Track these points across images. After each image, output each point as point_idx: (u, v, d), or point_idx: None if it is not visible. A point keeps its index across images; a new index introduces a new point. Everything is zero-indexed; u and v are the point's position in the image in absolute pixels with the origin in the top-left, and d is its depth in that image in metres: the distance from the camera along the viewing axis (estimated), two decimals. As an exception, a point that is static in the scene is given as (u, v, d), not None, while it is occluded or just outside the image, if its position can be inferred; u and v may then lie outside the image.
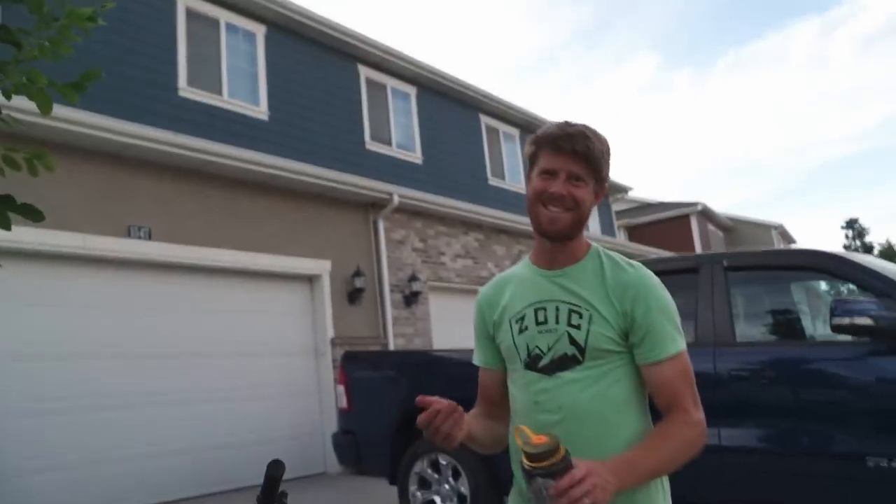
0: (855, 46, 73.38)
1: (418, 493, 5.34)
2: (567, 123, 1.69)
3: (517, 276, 1.83)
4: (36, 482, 6.52)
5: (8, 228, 1.77)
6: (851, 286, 4.33)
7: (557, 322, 1.67)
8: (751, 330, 4.72)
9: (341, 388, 5.98)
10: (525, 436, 1.37)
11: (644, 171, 70.95)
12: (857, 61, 71.69)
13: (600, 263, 1.71)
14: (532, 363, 1.70)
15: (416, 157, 12.85)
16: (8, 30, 1.72)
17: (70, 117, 6.89)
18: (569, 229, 1.68)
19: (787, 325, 4.77)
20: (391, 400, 5.72)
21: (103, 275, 7.46)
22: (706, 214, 24.80)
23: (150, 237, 7.73)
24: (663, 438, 1.58)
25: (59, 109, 6.77)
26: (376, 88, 12.48)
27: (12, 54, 1.80)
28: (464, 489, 5.09)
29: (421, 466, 5.35)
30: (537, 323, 1.70)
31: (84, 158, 7.34)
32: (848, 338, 3.93)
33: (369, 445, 5.74)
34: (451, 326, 11.16)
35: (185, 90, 9.48)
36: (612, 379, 1.65)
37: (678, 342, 1.66)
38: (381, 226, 10.42)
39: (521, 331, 1.72)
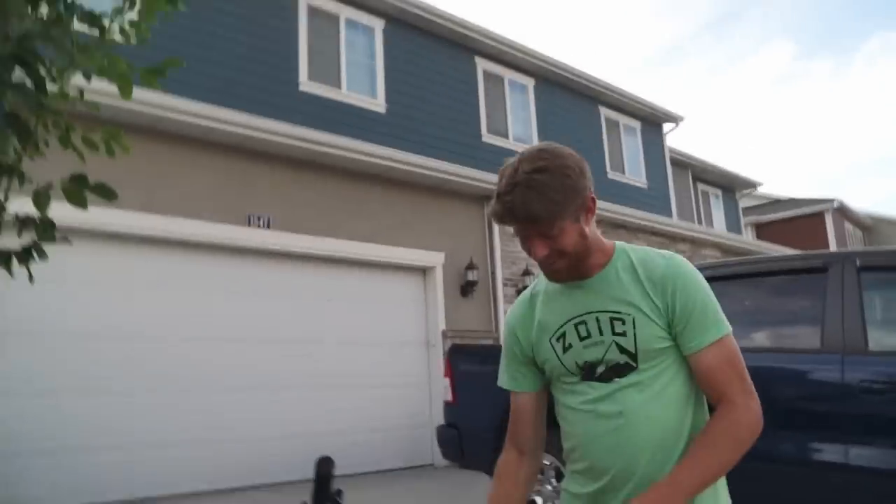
0: None
1: (521, 492, 5.23)
2: (504, 186, 1.55)
3: (544, 291, 1.75)
4: (157, 455, 6.88)
5: (84, 207, 1.81)
6: None
7: (601, 333, 1.63)
8: (887, 338, 4.31)
9: (447, 381, 5.95)
10: None
11: (776, 167, 67.61)
12: None
13: (630, 262, 1.65)
14: (588, 374, 1.65)
15: (532, 149, 12.67)
16: (93, 15, 1.76)
17: (194, 110, 7.20)
18: (570, 273, 1.64)
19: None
20: (496, 395, 5.60)
21: (224, 261, 7.76)
22: (843, 212, 23.29)
23: (269, 226, 7.99)
24: (708, 445, 1.53)
25: (183, 103, 7.12)
26: (493, 81, 12.41)
27: (95, 40, 1.83)
28: (567, 490, 4.94)
29: (524, 464, 5.23)
30: (580, 338, 1.65)
31: (208, 150, 7.66)
32: None
33: (472, 440, 5.68)
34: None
35: (306, 84, 9.73)
36: (669, 377, 1.61)
37: (719, 327, 1.60)
38: (495, 219, 10.32)
39: (565, 349, 1.67)
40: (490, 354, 6.34)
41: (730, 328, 1.61)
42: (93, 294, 6.79)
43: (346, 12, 10.44)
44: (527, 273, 10.44)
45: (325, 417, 8.10)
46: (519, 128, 12.65)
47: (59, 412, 6.40)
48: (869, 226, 25.51)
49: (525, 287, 10.29)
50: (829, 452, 3.74)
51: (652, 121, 15.61)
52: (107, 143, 1.87)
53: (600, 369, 1.63)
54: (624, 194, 13.88)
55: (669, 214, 15.04)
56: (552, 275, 1.65)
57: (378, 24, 10.82)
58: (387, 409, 8.79)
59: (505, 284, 10.29)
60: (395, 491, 7.44)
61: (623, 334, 1.60)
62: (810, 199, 23.32)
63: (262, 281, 8.01)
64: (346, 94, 10.13)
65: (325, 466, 1.39)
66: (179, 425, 7.09)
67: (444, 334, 9.28)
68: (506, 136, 12.29)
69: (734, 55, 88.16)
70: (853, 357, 3.83)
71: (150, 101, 6.89)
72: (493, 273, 10.20)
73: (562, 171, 1.55)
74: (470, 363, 6.05)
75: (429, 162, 9.36)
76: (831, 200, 22.48)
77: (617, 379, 1.61)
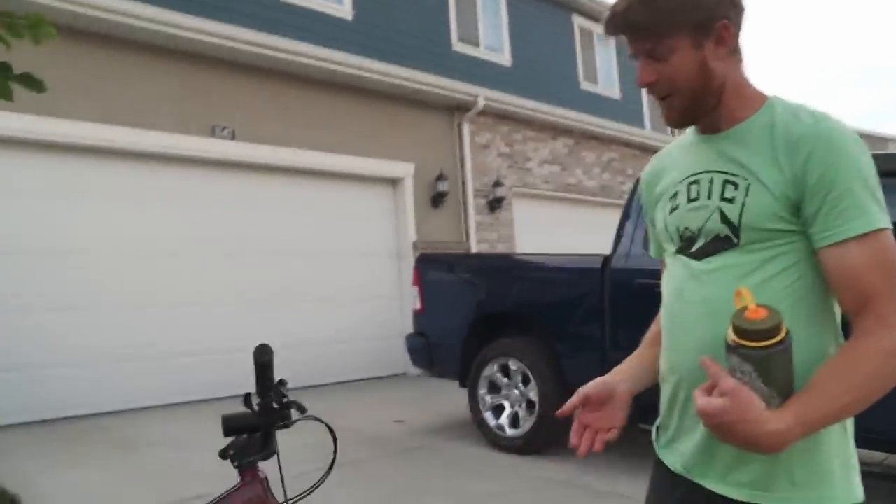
0: None
1: (487, 398, 5.32)
2: None
3: (680, 145, 1.48)
4: (125, 369, 6.90)
5: (9, 98, 1.70)
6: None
7: (710, 196, 1.32)
8: None
9: (416, 290, 5.96)
10: (743, 302, 1.12)
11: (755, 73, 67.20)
12: None
13: (772, 118, 1.29)
14: (685, 246, 1.37)
15: (504, 58, 12.40)
16: None
17: (151, 15, 6.90)
18: (684, 116, 1.35)
19: None
20: (465, 303, 5.66)
21: (188, 173, 7.60)
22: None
23: (233, 137, 7.79)
24: (842, 370, 1.15)
25: (141, 8, 6.82)
26: (465, -14, 12.00)
27: None
28: (533, 395, 5.04)
29: (491, 371, 5.31)
30: (689, 200, 1.36)
31: (169, 58, 7.38)
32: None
33: (441, 348, 5.74)
34: (536, 233, 11.00)
35: (269, -12, 9.34)
36: (779, 267, 1.25)
37: (874, 217, 1.20)
38: (466, 129, 10.20)
39: (672, 210, 1.40)
40: (458, 263, 6.35)
41: (888, 223, 1.21)
42: (47, 208, 6.63)
43: (310, -89, 9.93)
44: (497, 184, 10.38)
45: (296, 330, 8.11)
46: (491, 36, 12.31)
47: (13, 329, 6.32)
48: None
49: (497, 199, 10.28)
50: None
51: (627, 30, 15.31)
52: (32, 30, 1.73)
53: (699, 242, 1.34)
54: (597, 105, 13.70)
55: (642, 125, 14.93)
56: (666, 116, 1.36)
57: (344, -75, 10.34)
58: (358, 321, 8.84)
59: (475, 196, 10.23)
60: (362, 397, 7.54)
61: (731, 200, 1.28)
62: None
63: (227, 193, 7.87)
64: (311, -1, 9.75)
65: (262, 354, 1.34)
66: (142, 340, 7.07)
67: (415, 245, 9.25)
68: (476, 44, 11.98)
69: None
70: None
71: (106, 6, 6.58)
72: (464, 184, 10.13)
73: None
74: (438, 272, 6.05)
75: (397, 70, 9.12)
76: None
77: (709, 258, 1.32)
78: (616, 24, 1.32)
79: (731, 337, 1.12)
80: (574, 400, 1.45)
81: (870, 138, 25.55)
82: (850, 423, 1.29)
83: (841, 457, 1.25)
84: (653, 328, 1.59)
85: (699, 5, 1.26)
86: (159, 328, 7.18)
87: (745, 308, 1.12)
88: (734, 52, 1.32)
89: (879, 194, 1.23)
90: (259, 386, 1.39)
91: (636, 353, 1.60)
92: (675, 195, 1.40)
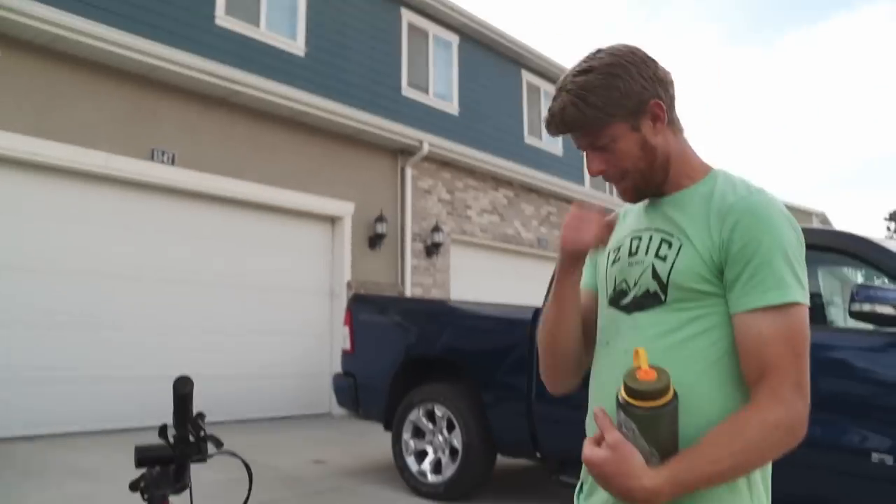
0: (923, 35, 70.54)
1: (411, 442, 5.30)
2: (554, 96, 1.39)
3: (635, 207, 1.53)
4: (39, 393, 6.63)
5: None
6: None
7: (647, 252, 1.37)
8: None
9: (346, 330, 5.92)
10: (636, 363, 1.17)
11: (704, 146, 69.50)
12: (923, 50, 68.92)
13: (712, 188, 1.36)
14: (616, 299, 1.41)
15: (452, 107, 12.61)
16: None
17: (99, 34, 6.82)
18: (637, 193, 1.41)
19: (809, 309, 4.53)
20: (395, 346, 5.65)
21: (124, 196, 7.45)
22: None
23: (173, 162, 7.69)
24: (728, 435, 1.18)
25: (88, 25, 6.73)
26: (418, 34, 12.21)
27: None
28: (456, 442, 5.03)
29: (416, 415, 5.29)
30: (630, 254, 1.41)
31: (112, 77, 7.29)
32: (870, 326, 3.73)
33: (368, 389, 5.70)
34: (471, 280, 11.08)
35: (223, 19, 9.32)
36: (700, 328, 1.28)
37: (790, 291, 1.23)
38: (409, 173, 10.28)
39: (614, 262, 1.45)
40: (391, 306, 6.35)
41: (805, 300, 1.25)
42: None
43: (269, -53, 10.02)
44: (436, 229, 10.45)
45: (220, 361, 7.94)
46: (441, 84, 12.53)
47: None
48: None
49: (435, 244, 10.34)
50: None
51: (572, 89, 15.72)
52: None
53: (629, 296, 1.38)
54: (540, 160, 14.00)
55: (582, 182, 15.28)
56: (622, 197, 1.44)
57: (302, -36, 10.44)
58: (286, 357, 8.71)
59: (414, 239, 10.28)
60: (284, 435, 7.40)
61: (664, 258, 1.34)
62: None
63: (162, 219, 7.73)
64: (264, 32, 9.76)
65: (183, 386, 1.33)
66: (66, 363, 6.83)
67: (349, 285, 9.22)
68: (426, 91, 12.16)
69: (662, 35, 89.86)
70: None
71: (48, 18, 6.47)
72: (403, 227, 10.17)
73: (608, 71, 1.32)
74: (370, 313, 6.04)
75: (345, 110, 9.18)
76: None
77: (636, 313, 1.36)
78: (556, 125, 1.38)
79: (621, 394, 1.17)
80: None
81: (790, 210, 26.27)
82: (759, 489, 1.29)
83: None
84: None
85: (628, 94, 1.33)
86: (78, 351, 6.93)
87: (637, 368, 1.17)
88: (671, 123, 1.40)
89: (800, 271, 1.27)
90: (176, 417, 1.37)
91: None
92: (619, 248, 1.46)
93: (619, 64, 1.34)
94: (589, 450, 1.19)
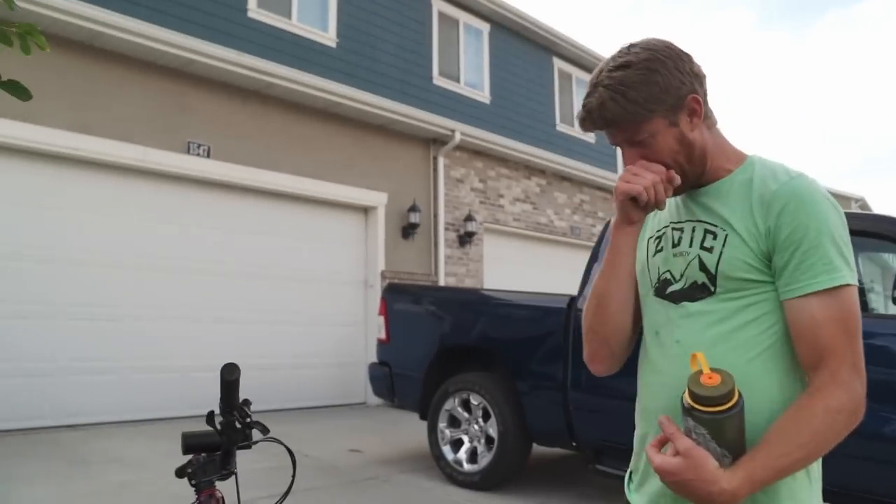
0: (967, 13, 68.71)
1: (447, 431, 5.32)
2: (588, 88, 1.38)
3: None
4: (82, 383, 6.77)
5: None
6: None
7: (691, 244, 1.38)
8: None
9: (381, 319, 5.96)
10: (698, 368, 1.18)
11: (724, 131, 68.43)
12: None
13: (751, 176, 1.37)
14: (661, 289, 1.42)
15: (483, 95, 12.57)
16: None
17: (135, 29, 6.92)
18: (677, 188, 1.39)
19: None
20: (430, 335, 5.67)
21: (161, 188, 7.56)
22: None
23: (209, 155, 7.79)
24: (799, 420, 1.20)
25: (125, 21, 6.83)
26: (448, 23, 12.18)
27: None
28: (492, 431, 5.04)
29: (452, 404, 5.31)
30: (673, 245, 1.42)
31: (148, 72, 7.39)
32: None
33: (403, 379, 5.72)
34: (504, 269, 11.07)
35: (255, 11, 9.38)
36: (751, 316, 1.30)
37: (839, 273, 1.25)
38: (441, 162, 10.28)
39: (656, 251, 1.46)
40: (425, 295, 6.37)
41: (854, 280, 1.27)
42: (16, 215, 6.55)
43: (300, -61, 10.05)
44: (469, 218, 10.45)
45: (260, 352, 8.05)
46: (471, 73, 12.49)
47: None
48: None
49: (468, 233, 10.34)
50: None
51: (604, 76, 15.55)
52: (22, 39, 1.74)
53: (676, 286, 1.39)
54: (572, 147, 13.92)
55: (615, 170, 15.16)
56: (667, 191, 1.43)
57: (333, -45, 10.46)
58: (321, 347, 8.79)
59: (447, 229, 10.29)
60: (320, 424, 7.48)
61: (710, 250, 1.35)
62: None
63: (199, 211, 7.84)
64: (296, 24, 9.82)
65: (230, 373, 1.35)
66: (106, 354, 6.98)
67: (383, 275, 9.26)
68: (457, 80, 12.14)
69: (695, 17, 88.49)
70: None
71: (87, 14, 6.58)
72: (436, 216, 10.18)
73: (647, 66, 1.32)
74: (405, 303, 6.06)
75: (377, 100, 9.21)
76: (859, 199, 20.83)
77: (686, 303, 1.37)
78: (593, 121, 1.37)
79: (687, 401, 1.18)
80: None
81: (837, 197, 25.83)
82: (816, 473, 1.33)
83: None
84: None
85: (667, 89, 1.33)
86: (121, 343, 7.07)
87: (699, 372, 1.18)
88: (707, 118, 1.40)
89: (847, 252, 1.28)
90: (223, 404, 1.39)
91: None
92: (659, 238, 1.46)
93: (656, 59, 1.34)
94: (660, 458, 1.20)
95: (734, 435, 1.18)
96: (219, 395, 1.37)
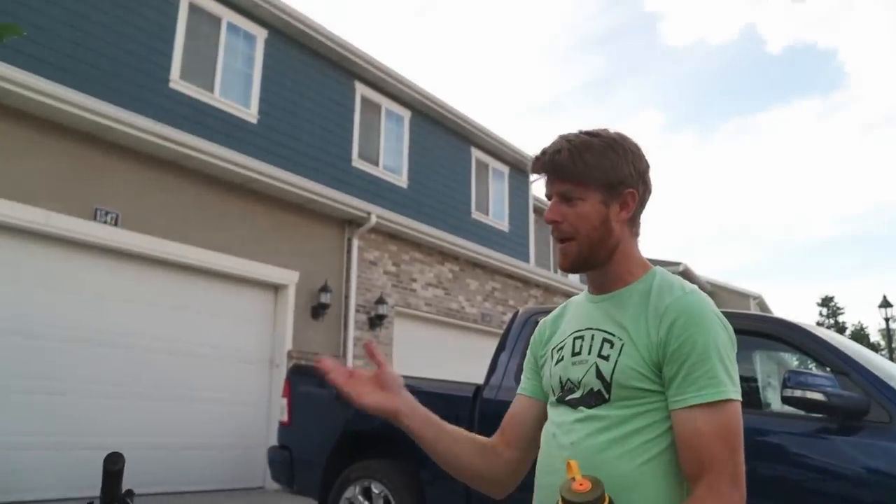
0: (854, 131, 74.75)
1: (346, 520, 5.14)
2: (553, 141, 1.48)
3: (576, 303, 1.60)
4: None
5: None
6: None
7: (590, 352, 1.43)
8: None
9: (284, 401, 5.79)
10: (570, 474, 1.23)
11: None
12: (855, 146, 72.93)
13: (650, 287, 1.43)
14: (563, 395, 1.46)
15: (401, 180, 12.77)
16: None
17: (47, 90, 6.77)
18: (575, 264, 1.46)
19: (745, 393, 4.62)
20: (333, 420, 5.53)
21: (63, 255, 7.27)
22: (687, 276, 24.79)
23: (117, 223, 7.56)
24: None
25: (38, 82, 6.68)
26: (370, 107, 12.43)
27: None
28: (393, 521, 4.90)
29: (353, 492, 5.15)
30: (573, 353, 1.47)
31: (57, 134, 7.19)
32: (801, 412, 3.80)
33: (303, 464, 5.54)
34: (415, 354, 11.00)
35: (177, 83, 9.37)
36: (642, 423, 1.34)
37: (724, 388, 1.30)
38: (356, 244, 10.29)
39: (557, 361, 1.51)
40: (332, 378, 6.22)
41: (737, 396, 1.32)
42: None
43: (229, 16, 10.18)
44: (381, 301, 10.42)
45: (153, 430, 7.66)
46: (390, 157, 12.70)
47: None
48: (709, 291, 27.30)
49: (379, 316, 10.28)
50: None
51: (520, 167, 16.09)
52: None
53: (576, 393, 1.43)
54: (486, 236, 14.19)
55: (527, 259, 15.48)
56: (561, 261, 1.49)
57: (261, 34, 10.61)
58: (221, 427, 8.45)
59: (358, 311, 10.22)
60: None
61: (606, 358, 1.39)
62: (656, 260, 24.51)
63: (103, 281, 7.54)
64: (218, 98, 9.84)
65: (113, 463, 1.29)
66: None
67: (290, 355, 9.07)
68: (376, 163, 12.31)
69: (609, 118, 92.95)
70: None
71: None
72: (347, 298, 10.11)
73: (610, 145, 1.44)
74: (310, 385, 5.91)
75: (295, 179, 9.21)
76: (678, 264, 23.85)
77: (583, 408, 1.40)
78: (543, 163, 1.47)
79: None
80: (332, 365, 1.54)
81: (729, 292, 27.34)
82: None
83: None
84: (476, 436, 1.67)
85: (616, 169, 1.43)
86: (4, 415, 6.62)
87: (572, 479, 1.22)
88: (633, 223, 1.49)
89: (733, 369, 1.34)
90: (105, 495, 1.32)
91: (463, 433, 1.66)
92: (561, 348, 1.51)
93: (621, 145, 1.45)
94: None
95: None
96: (100, 484, 1.30)
